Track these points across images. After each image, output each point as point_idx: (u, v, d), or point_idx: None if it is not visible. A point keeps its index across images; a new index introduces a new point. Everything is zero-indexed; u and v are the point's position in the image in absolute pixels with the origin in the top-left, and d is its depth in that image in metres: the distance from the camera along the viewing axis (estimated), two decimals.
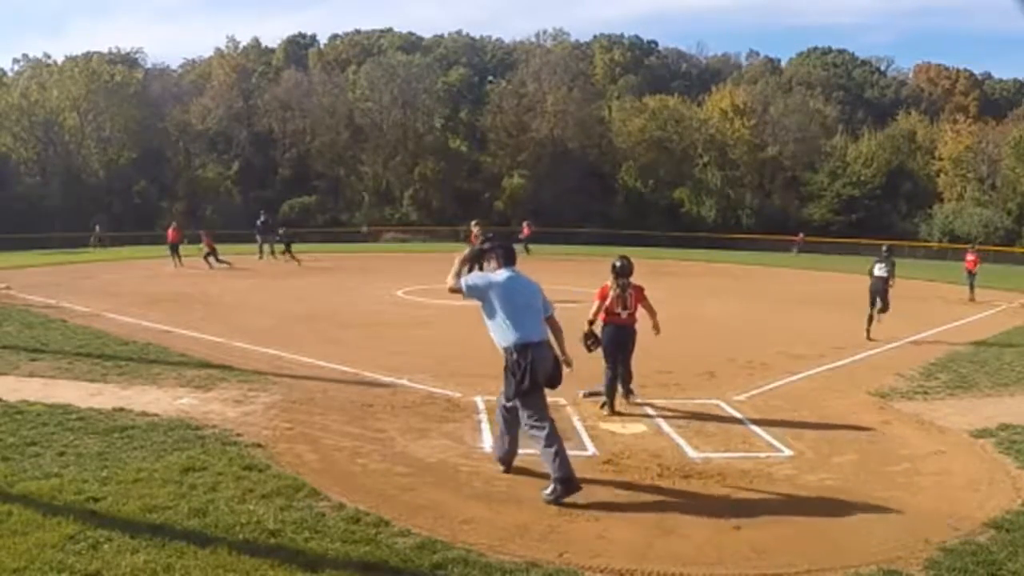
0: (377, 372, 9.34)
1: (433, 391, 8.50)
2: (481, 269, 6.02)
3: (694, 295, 20.17)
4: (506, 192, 55.42)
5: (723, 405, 8.19)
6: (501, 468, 5.97)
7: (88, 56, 56.96)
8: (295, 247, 27.36)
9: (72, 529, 4.47)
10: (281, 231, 29.07)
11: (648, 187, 56.72)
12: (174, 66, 68.98)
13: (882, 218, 50.66)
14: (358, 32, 75.83)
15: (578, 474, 5.84)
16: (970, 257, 20.92)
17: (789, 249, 43.27)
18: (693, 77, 75.53)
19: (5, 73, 58.52)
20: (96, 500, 4.96)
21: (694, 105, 60.39)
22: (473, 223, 20.67)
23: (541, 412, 5.60)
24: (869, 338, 12.95)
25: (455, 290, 5.67)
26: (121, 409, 7.16)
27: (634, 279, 8.27)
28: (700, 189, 56.01)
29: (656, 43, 79.60)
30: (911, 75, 79.72)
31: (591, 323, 7.93)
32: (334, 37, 76.87)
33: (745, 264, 32.89)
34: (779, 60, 79.48)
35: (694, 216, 54.28)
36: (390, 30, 76.28)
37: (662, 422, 7.47)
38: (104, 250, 34.19)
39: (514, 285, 5.67)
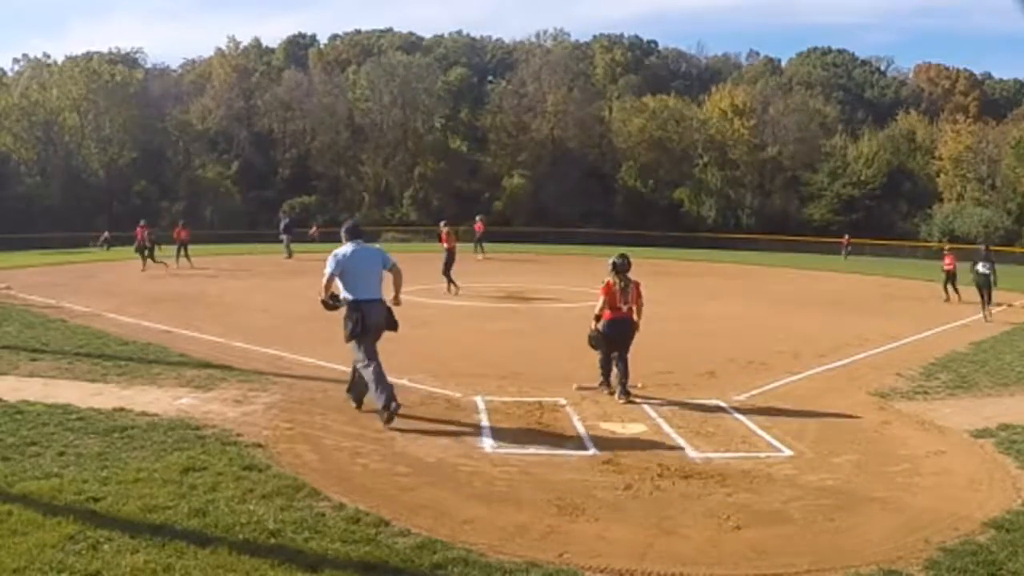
0: None
1: (433, 391, 8.50)
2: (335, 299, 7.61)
3: (694, 295, 20.17)
4: (506, 192, 55.44)
5: (723, 405, 8.19)
6: (389, 413, 7.06)
7: (88, 56, 56.98)
8: (294, 247, 27.46)
9: (72, 529, 4.47)
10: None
11: (648, 187, 56.71)
12: (174, 66, 69.12)
13: (882, 218, 50.70)
14: (358, 32, 75.91)
15: (578, 474, 5.92)
16: (947, 258, 20.30)
17: (837, 252, 39.90)
18: (693, 77, 75.54)
19: (5, 73, 58.60)
20: (96, 500, 4.96)
21: (694, 105, 60.39)
22: (443, 223, 20.66)
23: (371, 354, 7.34)
24: (987, 321, 15.61)
25: (329, 282, 7.40)
26: (121, 409, 7.16)
27: (635, 280, 8.47)
28: (700, 189, 55.99)
29: (656, 43, 79.71)
30: (911, 75, 79.73)
31: (598, 319, 8.40)
32: (334, 37, 76.95)
33: (745, 264, 32.88)
34: (779, 60, 79.61)
35: (694, 216, 54.28)
36: (390, 30, 76.37)
37: (662, 422, 7.46)
38: (108, 251, 34.18)
39: (356, 256, 7.43)
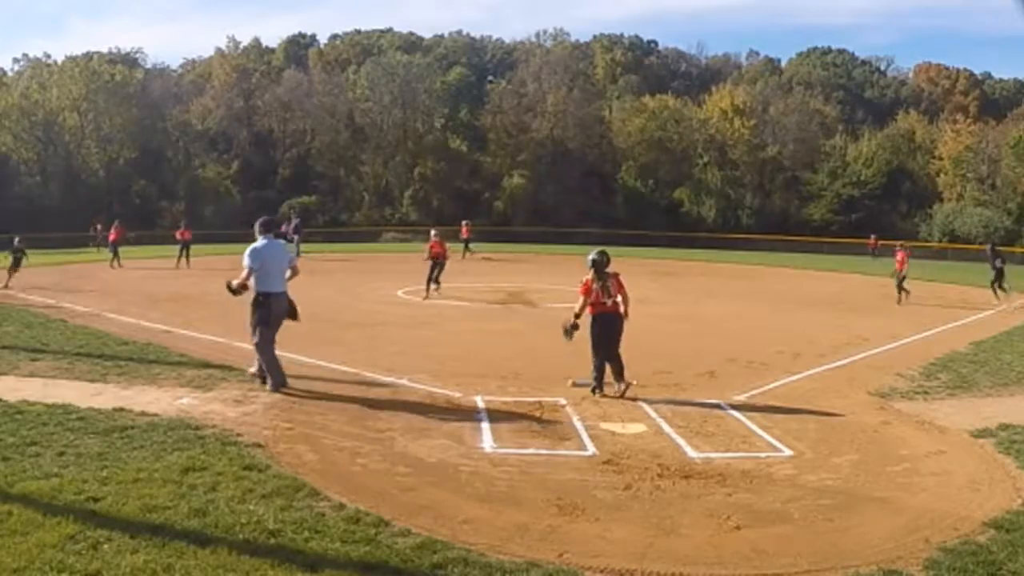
0: (377, 372, 9.34)
1: (433, 391, 8.49)
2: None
3: (694, 295, 20.17)
4: (506, 192, 55.45)
5: (723, 405, 8.18)
6: (275, 389, 8.00)
7: (88, 56, 57.02)
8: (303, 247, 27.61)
9: (72, 529, 4.47)
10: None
11: (648, 187, 56.73)
12: (174, 66, 69.19)
13: (882, 218, 50.64)
14: (358, 32, 75.98)
15: (578, 474, 5.95)
16: (899, 256, 19.09)
17: (865, 253, 37.96)
18: (693, 77, 75.59)
19: (5, 73, 58.66)
20: (96, 500, 4.96)
21: (694, 105, 60.41)
22: (432, 232, 18.73)
23: (270, 339, 8.18)
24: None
25: (249, 275, 8.05)
26: (121, 409, 7.16)
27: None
28: (700, 189, 56.01)
29: (656, 43, 79.84)
30: (911, 75, 79.82)
31: (577, 317, 8.48)
32: (334, 37, 77.04)
33: (745, 264, 32.89)
34: (779, 60, 79.73)
35: (694, 216, 54.29)
36: (390, 30, 76.46)
37: (662, 422, 7.46)
38: (99, 250, 34.14)
39: (267, 251, 8.20)
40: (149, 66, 63.28)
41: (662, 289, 20.89)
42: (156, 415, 7.04)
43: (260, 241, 8.28)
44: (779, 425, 7.44)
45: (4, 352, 9.98)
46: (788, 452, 6.64)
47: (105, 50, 61.74)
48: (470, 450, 6.53)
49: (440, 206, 54.48)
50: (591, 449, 6.60)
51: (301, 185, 55.29)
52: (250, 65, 66.40)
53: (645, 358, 10.41)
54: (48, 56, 58.75)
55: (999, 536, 4.87)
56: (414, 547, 4.50)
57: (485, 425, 7.22)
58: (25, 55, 60.99)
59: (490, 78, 67.81)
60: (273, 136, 59.43)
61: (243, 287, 8.26)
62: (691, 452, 6.57)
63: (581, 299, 8.41)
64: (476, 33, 79.70)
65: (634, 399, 8.23)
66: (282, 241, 8.88)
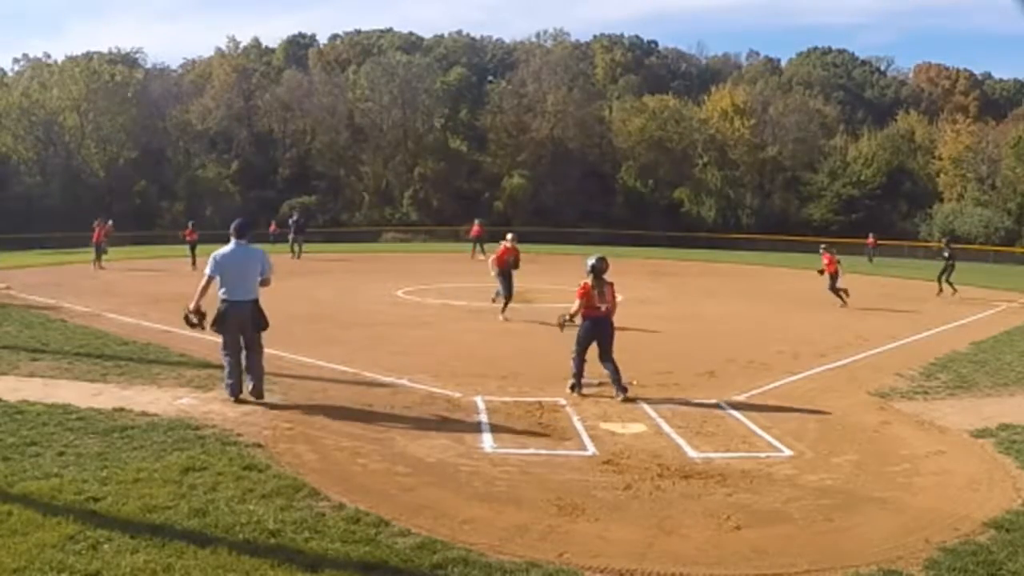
0: (377, 372, 9.35)
1: (433, 391, 8.49)
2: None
3: (694, 295, 20.15)
4: (506, 192, 55.39)
5: (723, 405, 8.18)
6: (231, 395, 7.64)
7: (88, 56, 56.94)
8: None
9: (72, 529, 4.47)
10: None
11: (648, 187, 56.71)
12: (174, 66, 69.07)
13: (882, 218, 50.57)
14: (358, 32, 75.94)
15: (578, 474, 5.96)
16: (825, 259, 18.03)
17: (862, 254, 36.29)
18: (693, 77, 75.57)
19: (5, 73, 58.64)
20: (96, 500, 4.96)
21: (694, 105, 60.40)
22: (509, 236, 15.94)
23: (228, 346, 7.70)
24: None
25: (207, 284, 7.62)
26: (121, 409, 7.16)
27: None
28: (700, 189, 55.98)
29: (656, 43, 79.85)
30: (911, 75, 79.84)
31: (572, 316, 8.68)
32: (334, 37, 76.99)
33: (745, 264, 32.88)
34: (779, 60, 79.75)
35: (694, 216, 54.25)
36: (390, 30, 76.41)
37: (662, 422, 7.46)
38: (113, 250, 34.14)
39: (228, 259, 7.64)
40: (149, 66, 63.16)
41: (662, 289, 20.88)
42: (156, 415, 7.05)
43: (227, 247, 7.77)
44: (779, 425, 7.44)
45: (4, 352, 9.98)
46: (788, 452, 6.65)
47: (105, 50, 61.69)
48: (470, 450, 6.54)
49: (440, 206, 54.48)
50: (591, 449, 6.60)
51: (301, 185, 55.24)
52: (250, 65, 66.38)
53: (645, 358, 10.42)
54: (48, 56, 58.77)
55: (999, 536, 4.87)
56: (414, 547, 4.50)
57: (485, 425, 7.23)
58: (25, 55, 61.03)
59: (490, 78, 67.76)
60: (273, 136, 59.39)
61: (198, 312, 7.78)
62: (691, 452, 6.57)
63: (577, 301, 8.54)
64: (476, 33, 79.78)
65: (634, 399, 8.23)
66: (257, 247, 7.92)
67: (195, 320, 7.88)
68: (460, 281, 18.81)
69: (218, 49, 68.88)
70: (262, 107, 58.96)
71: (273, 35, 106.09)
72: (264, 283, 7.90)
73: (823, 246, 19.37)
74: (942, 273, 20.61)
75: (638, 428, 7.30)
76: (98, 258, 24.66)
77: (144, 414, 7.05)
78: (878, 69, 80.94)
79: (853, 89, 74.23)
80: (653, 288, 20.39)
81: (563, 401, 8.12)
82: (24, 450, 5.91)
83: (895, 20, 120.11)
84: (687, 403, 8.22)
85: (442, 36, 77.53)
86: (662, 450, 6.62)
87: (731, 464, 6.28)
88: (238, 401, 7.65)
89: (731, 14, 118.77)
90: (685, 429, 7.24)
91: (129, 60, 61.62)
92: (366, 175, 57.33)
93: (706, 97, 60.86)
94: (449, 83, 62.61)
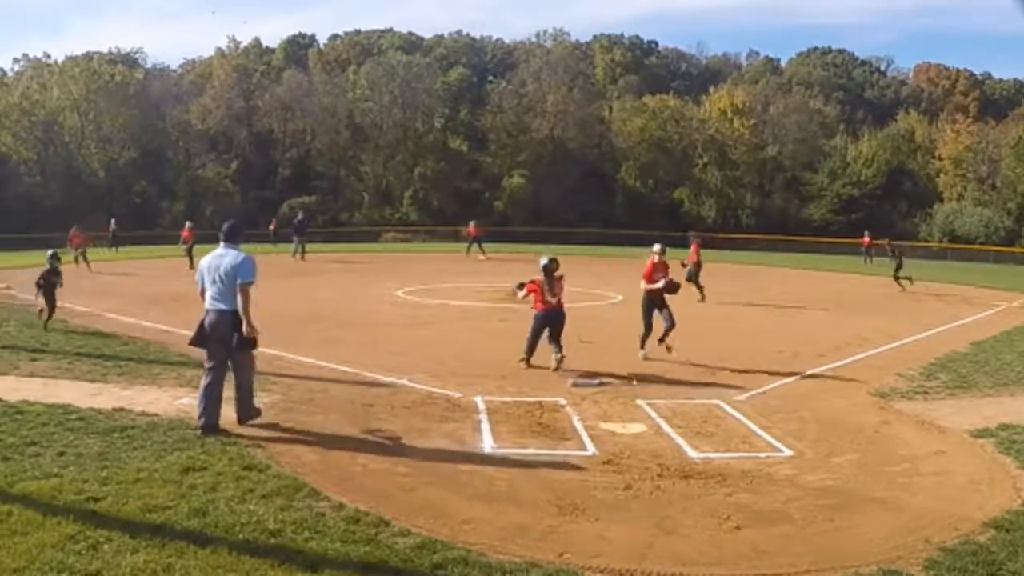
0: (377, 372, 9.34)
1: (433, 391, 8.50)
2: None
3: (693, 295, 20.13)
4: (506, 192, 55.40)
5: (723, 405, 8.18)
6: (200, 427, 6.59)
7: (88, 56, 56.90)
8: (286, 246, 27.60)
9: (72, 529, 4.47)
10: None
11: (648, 187, 56.71)
12: (174, 66, 69.05)
13: (882, 218, 50.54)
14: (358, 32, 75.87)
15: (578, 474, 5.95)
16: (692, 245, 18.07)
17: (847, 253, 36.04)
18: (693, 77, 75.57)
19: (5, 73, 58.52)
20: (96, 500, 4.96)
21: (694, 105, 60.39)
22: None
23: (212, 363, 6.85)
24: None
25: (203, 293, 6.94)
26: (121, 409, 7.16)
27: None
28: (700, 189, 55.98)
29: (656, 43, 79.73)
30: (911, 75, 79.79)
31: (519, 290, 10.43)
32: (334, 37, 76.92)
33: (745, 264, 32.86)
34: (779, 60, 79.64)
35: (694, 216, 54.18)
36: (390, 30, 76.36)
37: (662, 422, 7.46)
38: (115, 251, 34.09)
39: (210, 264, 6.92)
40: (149, 66, 63.18)
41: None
42: (156, 415, 7.05)
43: (211, 253, 7.03)
44: (779, 425, 7.44)
45: (4, 352, 9.98)
46: (788, 452, 6.65)
47: (105, 50, 61.63)
48: (470, 450, 6.54)
49: (440, 206, 54.47)
50: (591, 449, 6.60)
51: (301, 185, 55.23)
52: (250, 65, 66.37)
53: (645, 358, 10.45)
54: (48, 56, 58.62)
55: (999, 536, 4.87)
56: (414, 547, 4.50)
57: (485, 425, 7.23)
58: (25, 55, 60.84)
59: (490, 78, 67.72)
60: (273, 136, 59.36)
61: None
62: (691, 452, 6.58)
63: (531, 295, 10.05)
64: (476, 33, 79.65)
65: (634, 399, 8.24)
66: (244, 253, 6.94)
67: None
68: (460, 281, 18.80)
69: (218, 49, 68.82)
70: (262, 107, 58.91)
71: (273, 35, 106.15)
72: (242, 291, 6.78)
73: (692, 233, 19.22)
74: (896, 271, 21.50)
75: (638, 428, 7.30)
76: (78, 260, 24.59)
77: (144, 414, 7.05)
78: (878, 69, 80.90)
79: (853, 89, 74.19)
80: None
81: (563, 401, 8.12)
82: (24, 450, 5.91)
83: (895, 20, 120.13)
84: (687, 403, 8.22)
85: (442, 36, 77.51)
86: (662, 450, 6.62)
87: (731, 464, 6.28)
88: (208, 433, 6.53)
89: (731, 14, 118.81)
90: (685, 429, 7.24)
91: (129, 60, 61.63)
92: (366, 175, 57.34)
93: (706, 97, 60.87)
94: (449, 83, 62.62)
